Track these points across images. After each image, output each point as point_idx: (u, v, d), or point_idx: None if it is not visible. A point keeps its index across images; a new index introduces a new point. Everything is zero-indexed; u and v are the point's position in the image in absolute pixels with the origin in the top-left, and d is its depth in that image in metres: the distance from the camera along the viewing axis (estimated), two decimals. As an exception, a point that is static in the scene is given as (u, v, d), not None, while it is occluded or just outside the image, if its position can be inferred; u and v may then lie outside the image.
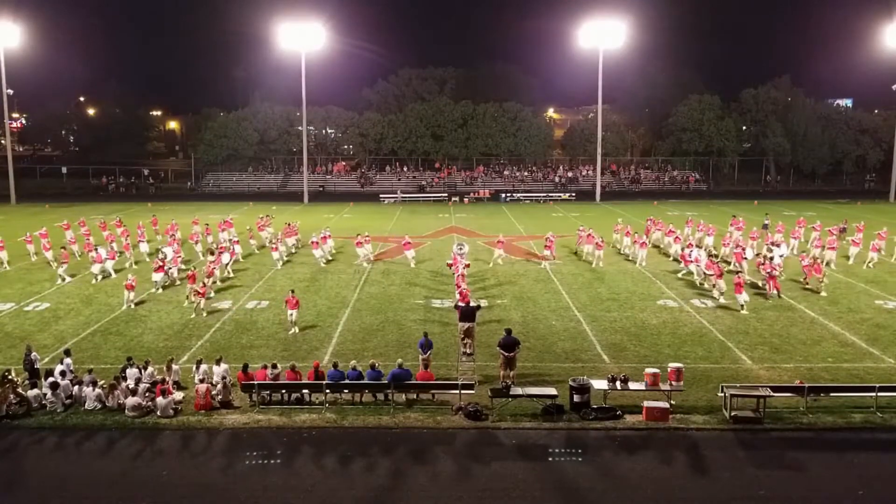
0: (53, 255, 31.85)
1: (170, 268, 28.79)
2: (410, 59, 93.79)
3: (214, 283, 27.61)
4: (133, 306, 25.23)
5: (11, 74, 63.73)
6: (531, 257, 34.82)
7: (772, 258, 28.56)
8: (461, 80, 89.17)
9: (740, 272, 26.27)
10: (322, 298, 26.54)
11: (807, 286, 27.73)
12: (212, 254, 30.15)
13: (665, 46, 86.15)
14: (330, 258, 34.02)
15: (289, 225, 37.53)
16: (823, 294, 26.69)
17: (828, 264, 31.14)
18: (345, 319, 23.85)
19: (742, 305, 24.50)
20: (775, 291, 26.39)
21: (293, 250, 35.48)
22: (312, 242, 33.49)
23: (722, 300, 25.53)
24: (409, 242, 33.37)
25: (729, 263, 30.76)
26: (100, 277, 29.27)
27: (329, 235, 35.63)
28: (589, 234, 33.90)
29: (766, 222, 39.18)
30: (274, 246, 33.32)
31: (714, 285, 26.61)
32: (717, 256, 32.46)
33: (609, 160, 79.98)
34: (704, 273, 27.90)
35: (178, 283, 28.40)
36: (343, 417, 16.26)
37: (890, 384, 17.31)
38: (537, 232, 44.11)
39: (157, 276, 27.56)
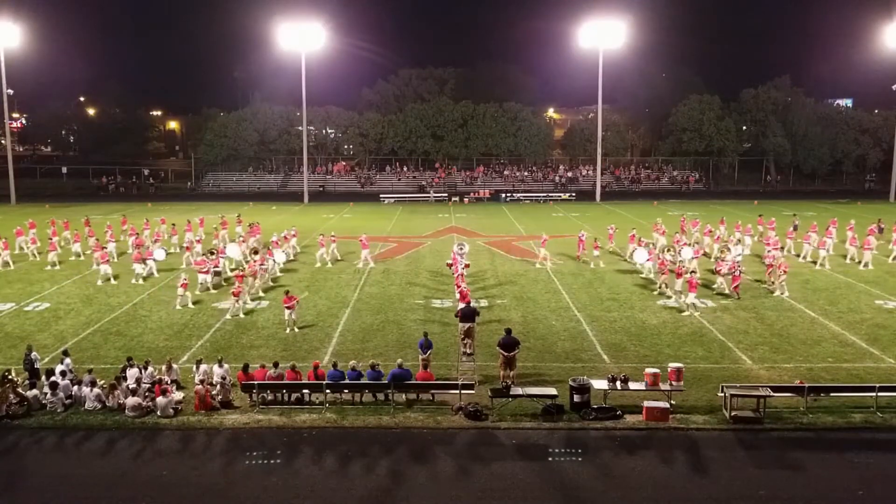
0: (70, 252, 32.16)
1: (218, 269, 28.57)
2: (410, 59, 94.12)
3: (258, 284, 27.17)
4: (191, 305, 25.14)
5: (11, 74, 63.78)
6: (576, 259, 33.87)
7: (721, 258, 28.26)
8: (461, 80, 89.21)
9: (693, 272, 26.10)
10: (322, 298, 26.54)
11: (768, 285, 27.73)
12: (256, 253, 29.33)
13: (665, 46, 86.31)
14: (292, 258, 33.55)
15: (251, 226, 37.41)
16: (777, 294, 26.54)
17: (866, 265, 31.31)
18: (345, 319, 23.84)
19: (692, 305, 24.35)
20: (735, 293, 26.19)
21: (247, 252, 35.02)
22: (272, 242, 33.14)
23: (673, 301, 25.29)
24: (365, 242, 33.08)
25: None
26: (141, 279, 29.03)
27: (293, 235, 35.42)
28: (631, 235, 33.79)
29: (796, 223, 39.13)
30: (238, 243, 33.08)
31: (664, 284, 26.71)
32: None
33: (609, 160, 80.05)
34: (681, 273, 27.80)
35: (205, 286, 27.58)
36: (343, 417, 16.25)
37: (890, 384, 17.29)
38: (537, 232, 44.12)
39: (206, 278, 27.19)
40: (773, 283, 27.40)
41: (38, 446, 15.14)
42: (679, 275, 25.58)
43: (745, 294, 26.84)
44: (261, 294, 26.77)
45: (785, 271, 26.95)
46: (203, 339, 21.75)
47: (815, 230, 35.02)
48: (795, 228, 37.45)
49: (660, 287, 27.22)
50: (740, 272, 26.83)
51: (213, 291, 27.19)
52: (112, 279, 28.98)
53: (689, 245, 32.01)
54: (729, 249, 29.73)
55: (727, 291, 26.71)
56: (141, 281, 28.97)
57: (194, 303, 25.56)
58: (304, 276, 30.29)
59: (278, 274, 30.19)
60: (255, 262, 27.97)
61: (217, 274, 28.58)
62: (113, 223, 39.43)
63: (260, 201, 64.75)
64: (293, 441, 15.23)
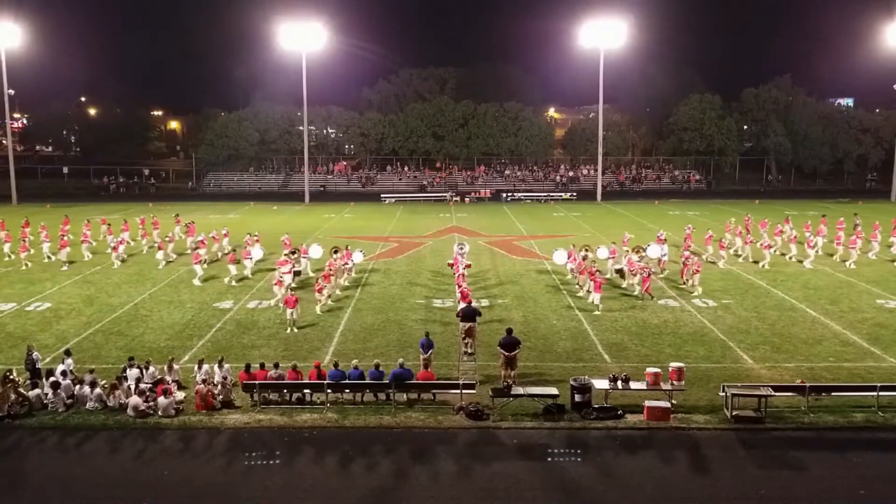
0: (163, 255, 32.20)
1: (298, 269, 28.32)
2: (411, 59, 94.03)
3: (341, 282, 27.34)
4: (276, 303, 25.06)
5: (12, 74, 63.77)
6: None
7: (636, 258, 27.92)
8: (462, 79, 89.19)
9: (599, 271, 25.93)
10: (323, 298, 26.50)
11: (683, 284, 27.76)
12: (336, 253, 28.77)
13: (666, 46, 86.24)
14: (217, 258, 33.21)
15: (188, 225, 37.27)
16: (694, 294, 26.56)
17: None
18: (346, 319, 23.84)
19: (597, 306, 24.42)
20: (645, 293, 26.06)
21: (188, 251, 34.50)
22: (199, 242, 32.89)
23: (601, 309, 24.67)
24: (287, 242, 32.29)
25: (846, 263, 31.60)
26: (234, 280, 28.76)
27: (224, 235, 35.28)
28: (708, 236, 33.60)
29: (857, 222, 39.06)
30: (160, 244, 33.04)
31: (581, 285, 26.53)
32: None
33: (610, 160, 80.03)
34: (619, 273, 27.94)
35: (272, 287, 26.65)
36: (344, 417, 16.26)
37: (891, 384, 17.27)
38: (539, 232, 44.15)
39: (288, 278, 26.80)
40: (685, 282, 27.54)
41: (39, 446, 15.15)
42: (591, 274, 25.50)
43: (746, 294, 26.87)
44: (337, 292, 26.77)
45: (697, 271, 26.96)
46: (204, 339, 21.75)
47: (878, 228, 35.06)
48: (856, 227, 37.31)
49: (578, 286, 27.23)
50: (650, 273, 26.53)
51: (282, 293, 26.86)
52: (198, 281, 28.64)
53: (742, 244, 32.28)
54: (644, 249, 29.53)
55: (636, 293, 26.66)
56: (234, 283, 28.58)
57: (198, 302, 25.59)
58: (305, 276, 30.23)
59: (354, 275, 29.79)
60: (334, 260, 27.78)
61: (297, 274, 28.27)
62: (38, 225, 38.02)
63: (261, 201, 64.77)
64: (294, 441, 15.23)
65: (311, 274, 29.15)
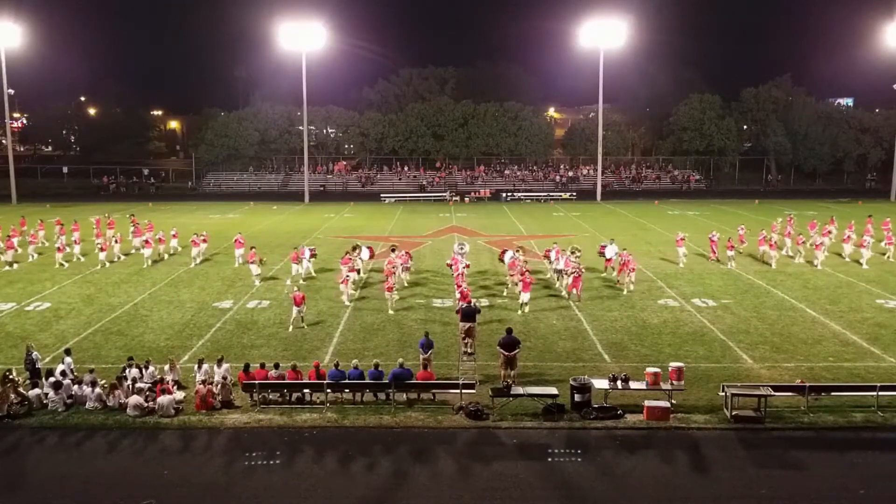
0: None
1: (358, 268, 28.44)
2: (411, 59, 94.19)
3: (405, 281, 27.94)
4: (347, 303, 25.36)
5: (12, 74, 63.82)
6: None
7: (572, 258, 27.84)
8: (462, 79, 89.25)
9: (528, 271, 25.93)
10: (323, 298, 26.53)
11: (618, 284, 27.91)
12: (393, 251, 29.15)
13: (666, 46, 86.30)
14: (158, 259, 33.32)
15: (136, 226, 37.20)
16: (625, 291, 26.86)
17: None
18: (345, 319, 23.84)
19: (524, 304, 24.40)
20: (574, 293, 26.01)
21: (133, 250, 34.70)
22: (145, 242, 33.04)
23: (527, 309, 24.53)
24: (241, 241, 32.35)
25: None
26: (288, 279, 28.98)
27: (174, 235, 35.23)
28: (761, 238, 33.49)
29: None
30: (103, 244, 32.93)
31: (515, 283, 26.48)
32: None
33: (610, 160, 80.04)
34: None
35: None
36: (344, 417, 16.26)
37: (891, 383, 17.28)
38: (538, 232, 44.15)
39: (352, 276, 26.99)
40: (619, 281, 27.70)
41: (39, 446, 15.16)
42: (522, 274, 25.49)
43: (746, 294, 26.88)
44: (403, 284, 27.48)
45: (630, 270, 27.12)
46: (204, 339, 21.75)
47: None
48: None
49: (513, 283, 27.16)
50: (580, 273, 26.39)
51: (351, 292, 26.87)
52: (257, 280, 28.72)
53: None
54: (579, 249, 29.38)
55: (563, 293, 26.74)
56: (288, 282, 28.65)
57: (198, 301, 25.60)
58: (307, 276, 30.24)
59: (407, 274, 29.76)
60: (394, 258, 28.18)
61: (357, 272, 28.41)
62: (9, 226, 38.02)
63: (261, 201, 64.77)
64: (294, 441, 15.23)
65: (363, 275, 29.43)
